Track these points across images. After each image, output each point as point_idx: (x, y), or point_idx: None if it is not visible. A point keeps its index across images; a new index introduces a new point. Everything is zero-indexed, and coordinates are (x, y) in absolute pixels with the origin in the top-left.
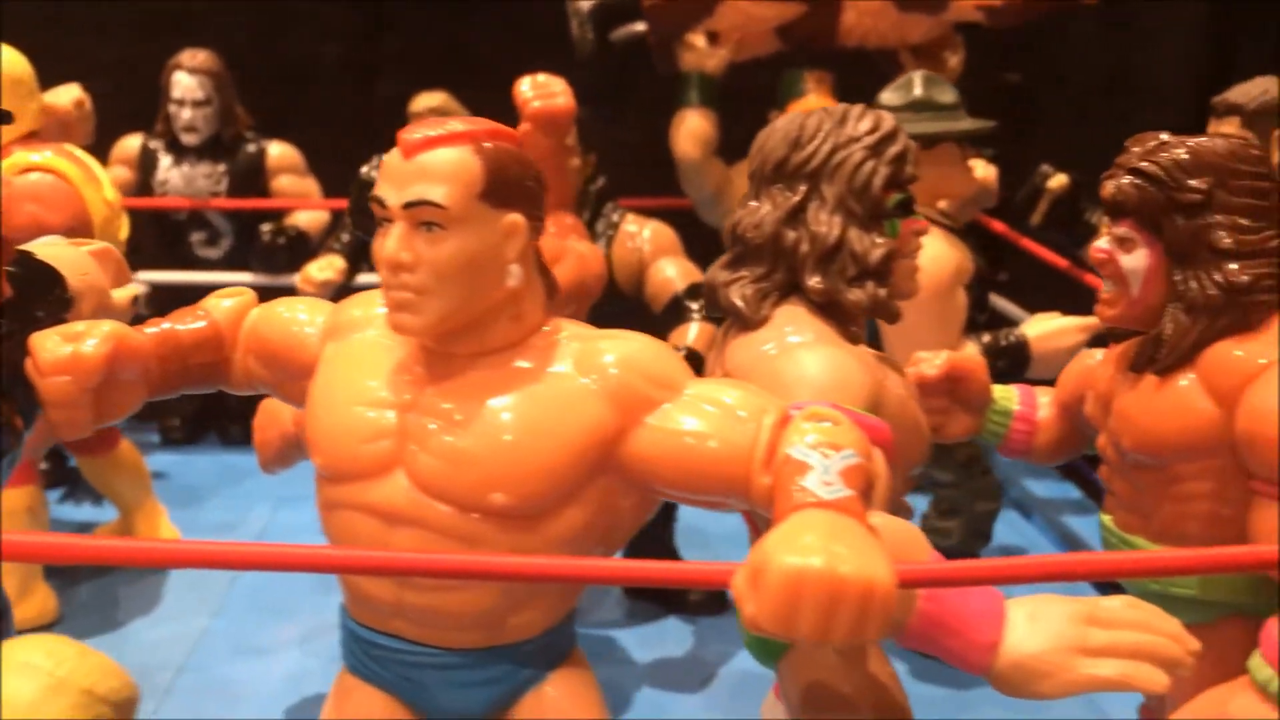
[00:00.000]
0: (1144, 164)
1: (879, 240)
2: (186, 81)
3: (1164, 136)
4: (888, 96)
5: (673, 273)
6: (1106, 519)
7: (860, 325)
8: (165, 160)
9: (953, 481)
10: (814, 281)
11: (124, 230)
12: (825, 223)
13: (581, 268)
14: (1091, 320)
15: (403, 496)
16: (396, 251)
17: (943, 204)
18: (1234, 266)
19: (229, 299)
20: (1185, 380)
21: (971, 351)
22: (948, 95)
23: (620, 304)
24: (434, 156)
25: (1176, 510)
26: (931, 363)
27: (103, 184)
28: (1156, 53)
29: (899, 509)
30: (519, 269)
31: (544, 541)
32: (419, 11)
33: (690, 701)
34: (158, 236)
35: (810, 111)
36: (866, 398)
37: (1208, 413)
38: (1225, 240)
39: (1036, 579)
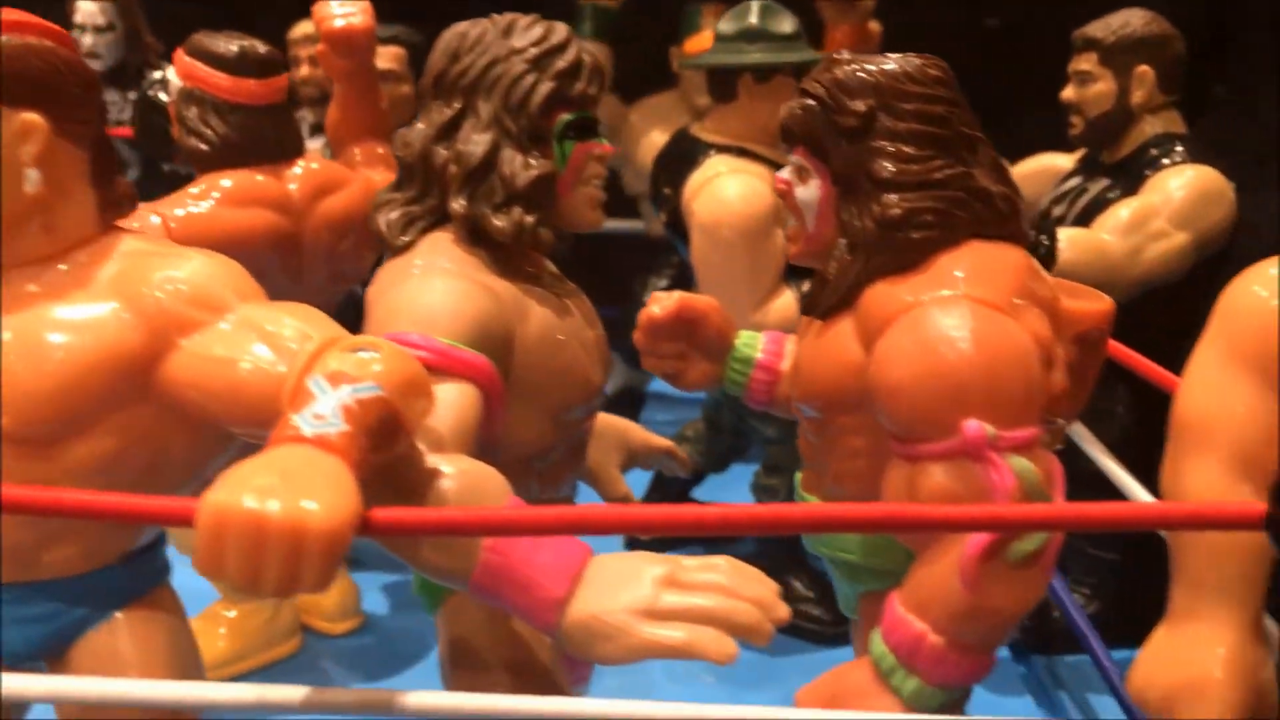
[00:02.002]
0: (810, 84)
1: (533, 163)
2: (88, 7)
3: (843, 54)
4: (723, 25)
5: None
6: (798, 477)
7: (527, 255)
8: None
9: (778, 438)
10: (458, 205)
11: None
12: (475, 141)
13: (365, 197)
14: None
15: None
16: None
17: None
18: (892, 198)
19: None
20: (844, 324)
21: (789, 300)
22: (786, 25)
23: None
24: None
25: (840, 467)
26: (661, 304)
27: None
28: None
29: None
30: (37, 174)
31: (62, 471)
32: None
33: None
34: None
35: (478, 21)
36: (477, 332)
37: (857, 359)
38: (886, 169)
39: (603, 529)
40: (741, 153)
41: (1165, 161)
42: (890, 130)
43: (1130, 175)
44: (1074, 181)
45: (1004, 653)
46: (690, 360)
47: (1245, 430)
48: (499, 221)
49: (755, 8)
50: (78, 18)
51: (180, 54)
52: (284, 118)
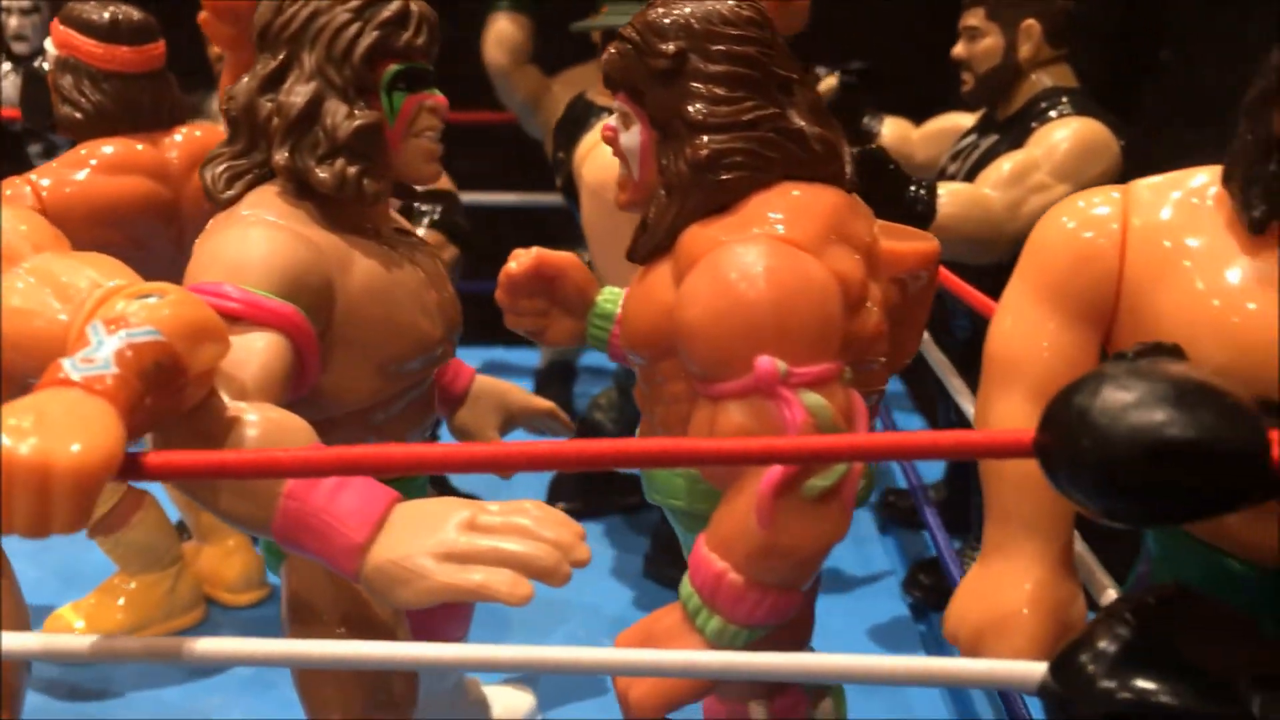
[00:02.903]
0: (625, 29)
1: (358, 113)
2: None
3: None
4: None
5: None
6: (638, 430)
7: (362, 209)
8: (4, 68)
9: None
10: (280, 157)
11: None
12: (298, 92)
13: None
14: None
15: None
16: None
17: None
18: (703, 139)
19: None
20: (663, 268)
21: None
22: None
23: None
24: None
25: (665, 413)
26: (519, 260)
27: None
28: None
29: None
30: None
31: None
32: None
33: None
34: None
35: None
36: (290, 282)
37: (670, 302)
38: (697, 110)
39: (381, 468)
40: None
41: (1051, 114)
42: (701, 72)
43: (1019, 129)
44: (969, 139)
45: (903, 610)
46: (552, 317)
47: (1049, 364)
48: (322, 173)
49: None
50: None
51: (56, 23)
52: (161, 85)
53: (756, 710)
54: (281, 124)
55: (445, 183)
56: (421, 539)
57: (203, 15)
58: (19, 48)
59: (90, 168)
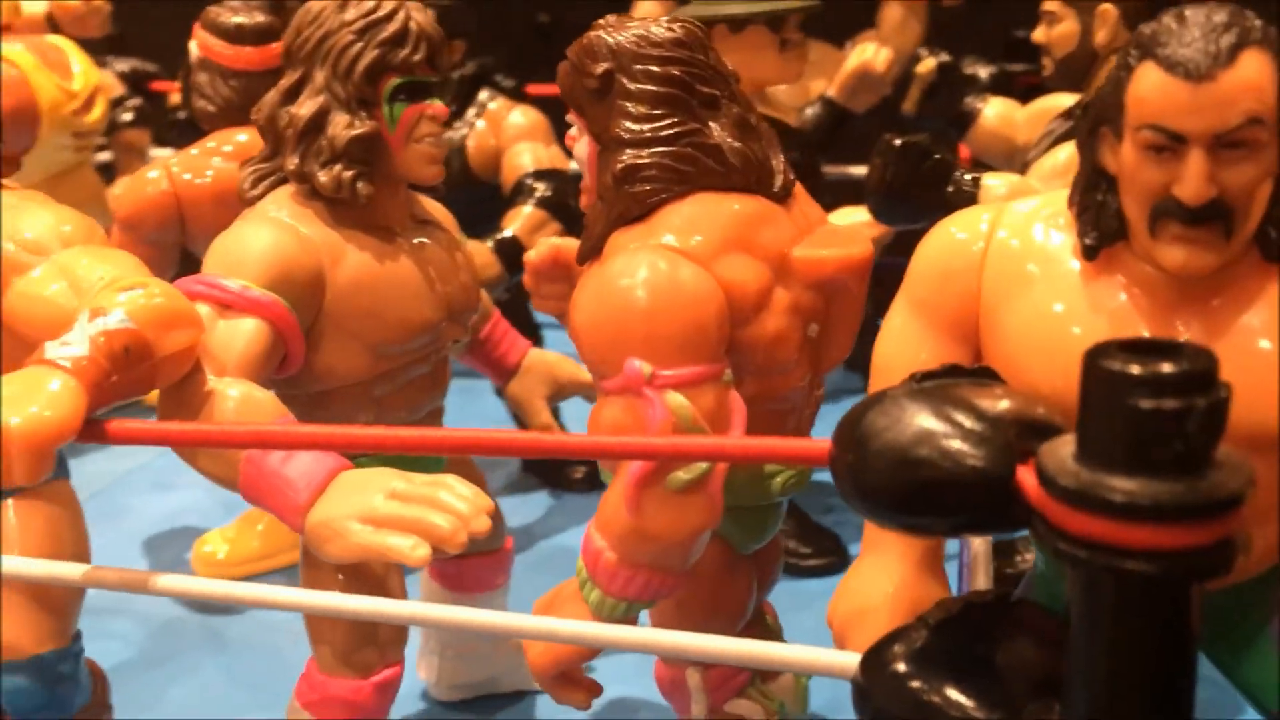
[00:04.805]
0: (570, 49)
1: (356, 123)
2: None
3: (610, 18)
4: None
5: (526, 159)
6: None
7: (373, 206)
8: None
9: None
10: (291, 162)
11: (94, 114)
12: (307, 105)
13: None
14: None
15: None
16: None
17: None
18: (626, 154)
19: None
20: (593, 270)
21: None
22: None
23: (477, 190)
24: None
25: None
26: (538, 250)
27: (72, 74)
28: None
29: None
30: None
31: None
32: None
33: None
34: None
35: None
36: (279, 275)
37: None
38: (622, 126)
39: (296, 445)
40: None
41: None
42: (627, 91)
43: None
44: (1055, 123)
45: None
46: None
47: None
48: (323, 177)
49: None
50: None
51: (196, 27)
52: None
53: (692, 676)
54: (293, 133)
55: (559, 159)
56: (351, 503)
57: None
58: None
59: (221, 155)
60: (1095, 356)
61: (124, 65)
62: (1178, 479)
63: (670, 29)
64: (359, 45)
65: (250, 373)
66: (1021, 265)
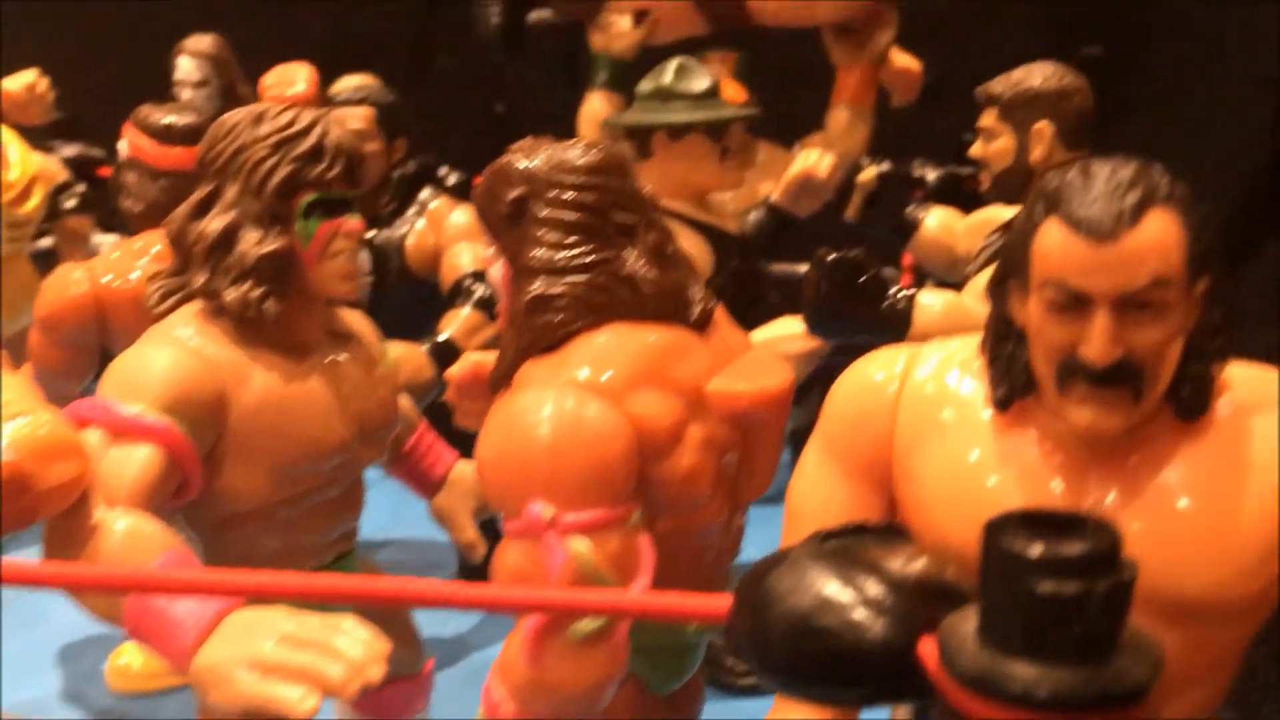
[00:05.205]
0: (485, 171)
1: (268, 240)
2: (185, 65)
3: (525, 141)
4: (641, 84)
5: (466, 259)
6: None
7: (284, 324)
8: None
9: None
10: (198, 280)
11: (30, 203)
12: (217, 220)
13: None
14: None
15: None
16: None
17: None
18: (537, 283)
19: None
20: (504, 400)
21: None
22: (701, 83)
23: (416, 289)
24: None
25: None
26: (459, 365)
27: (9, 162)
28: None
29: None
30: None
31: None
32: None
33: None
34: None
35: (239, 110)
36: (178, 399)
37: None
38: (535, 255)
39: (173, 590)
40: None
41: None
42: (541, 218)
43: None
44: (994, 237)
45: None
46: None
47: (835, 520)
48: (229, 296)
49: (671, 67)
50: (176, 74)
51: (127, 125)
52: None
53: None
54: (202, 249)
55: None
56: (239, 647)
57: None
58: (189, 119)
59: (147, 256)
60: (994, 533)
61: (70, 150)
62: (1079, 665)
63: (587, 153)
64: (273, 160)
65: (142, 503)
66: (935, 411)
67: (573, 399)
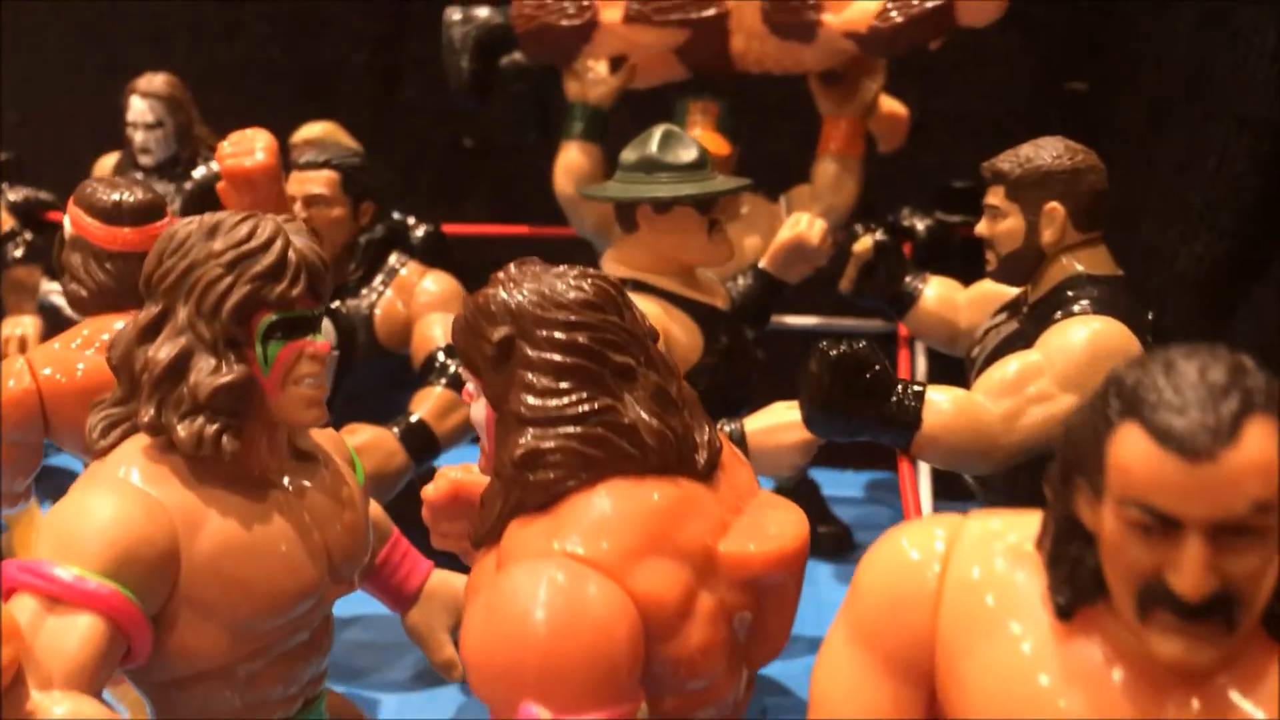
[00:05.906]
0: (464, 303)
1: (224, 369)
2: (138, 105)
3: (510, 268)
4: (625, 154)
5: (438, 331)
6: None
7: (241, 458)
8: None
9: None
10: (146, 413)
11: None
12: (167, 346)
13: None
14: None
15: None
16: None
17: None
18: (526, 435)
19: None
20: (489, 560)
21: None
22: (688, 154)
23: (385, 362)
24: None
25: None
26: (436, 485)
27: None
28: (1249, 52)
29: None
30: None
31: None
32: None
33: None
34: None
35: (191, 220)
36: (121, 558)
37: None
38: (523, 402)
39: None
40: (637, 286)
41: (1074, 308)
42: (529, 360)
43: (1043, 316)
44: (999, 318)
45: None
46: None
47: (853, 714)
48: (181, 431)
49: (656, 137)
50: (130, 115)
51: (70, 202)
52: None
53: None
54: (150, 379)
55: None
56: None
57: (221, 185)
58: (144, 160)
59: (90, 349)
60: None
61: (16, 195)
62: None
63: (579, 286)
64: (228, 280)
65: (82, 682)
66: (982, 602)
67: (569, 577)
